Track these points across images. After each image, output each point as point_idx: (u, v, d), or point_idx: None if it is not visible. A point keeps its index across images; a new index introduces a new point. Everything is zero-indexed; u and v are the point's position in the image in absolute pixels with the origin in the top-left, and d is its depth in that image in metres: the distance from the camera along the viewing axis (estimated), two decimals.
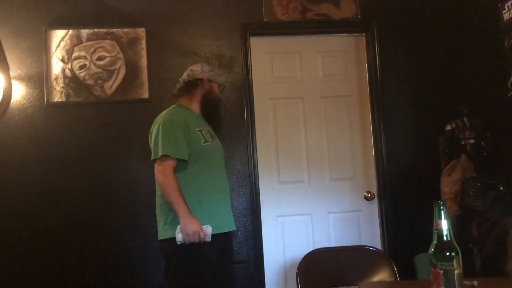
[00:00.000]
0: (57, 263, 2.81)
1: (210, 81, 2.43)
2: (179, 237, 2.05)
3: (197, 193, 2.16)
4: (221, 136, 2.92)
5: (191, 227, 2.03)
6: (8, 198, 2.81)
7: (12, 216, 2.81)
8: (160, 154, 2.12)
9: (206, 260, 2.12)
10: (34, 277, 2.79)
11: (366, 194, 3.16)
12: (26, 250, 2.80)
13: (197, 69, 2.44)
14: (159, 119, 2.24)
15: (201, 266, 2.10)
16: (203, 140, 2.23)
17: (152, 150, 2.19)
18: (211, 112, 2.45)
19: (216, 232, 2.14)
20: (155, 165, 2.16)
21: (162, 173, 2.12)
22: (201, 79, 2.39)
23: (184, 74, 2.47)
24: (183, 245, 2.06)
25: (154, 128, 2.24)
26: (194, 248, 2.07)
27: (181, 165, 2.16)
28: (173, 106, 2.36)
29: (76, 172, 2.87)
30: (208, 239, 2.08)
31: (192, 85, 2.39)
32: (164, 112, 2.28)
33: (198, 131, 2.25)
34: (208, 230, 2.07)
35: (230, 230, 2.30)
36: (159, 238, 2.19)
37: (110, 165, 2.89)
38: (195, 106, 2.39)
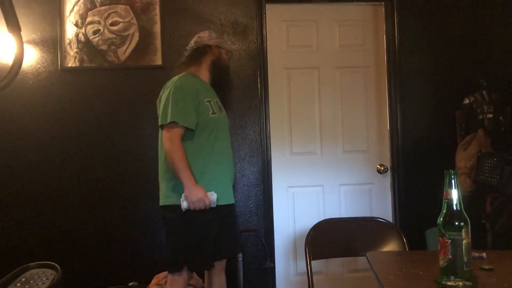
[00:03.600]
0: (67, 226, 2.87)
1: (218, 47, 2.38)
2: (184, 204, 2.05)
3: (200, 164, 2.14)
4: (233, 105, 2.92)
5: (196, 194, 2.03)
6: (20, 163, 2.86)
7: (24, 181, 2.86)
8: (169, 120, 2.09)
9: (208, 229, 2.13)
10: (44, 239, 2.86)
11: (379, 167, 3.13)
12: (36, 214, 2.86)
13: (205, 36, 2.39)
14: (169, 85, 2.20)
15: (202, 234, 2.11)
16: (211, 111, 2.21)
17: (160, 116, 2.16)
18: (219, 79, 2.42)
19: (218, 203, 2.14)
20: (163, 131, 2.14)
21: (170, 140, 2.09)
22: (210, 46, 2.35)
23: (192, 41, 2.42)
24: (187, 212, 2.06)
25: (163, 94, 2.20)
26: (197, 216, 2.07)
27: (187, 134, 2.14)
28: (183, 73, 2.31)
29: (89, 137, 2.89)
30: (214, 205, 2.09)
31: (201, 52, 2.35)
32: (175, 78, 2.24)
33: (207, 101, 2.22)
34: (213, 196, 2.08)
35: (228, 203, 2.26)
36: (161, 204, 2.18)
37: (123, 131, 2.91)
38: (204, 75, 2.35)
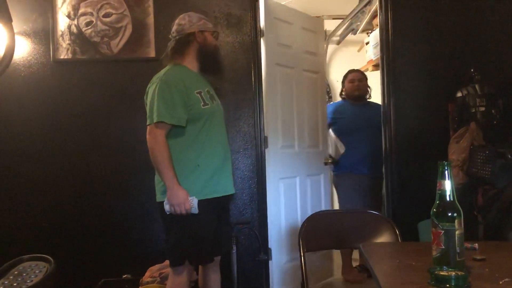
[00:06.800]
0: (61, 219, 2.87)
1: (202, 32, 2.21)
2: (166, 207, 2.02)
3: (194, 157, 2.09)
4: (227, 98, 2.90)
5: (177, 198, 1.97)
6: (12, 154, 2.85)
7: (16, 173, 2.86)
8: (155, 120, 2.01)
9: (208, 222, 2.10)
10: (37, 232, 2.86)
11: None
12: (29, 207, 2.86)
13: (185, 23, 2.20)
14: (155, 80, 2.11)
15: (203, 227, 2.08)
16: (202, 103, 2.11)
17: (148, 114, 2.08)
18: (210, 64, 2.26)
19: (212, 196, 2.11)
20: (148, 128, 2.06)
21: (154, 140, 2.01)
22: (193, 33, 2.21)
23: (173, 29, 2.24)
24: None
25: (150, 89, 2.11)
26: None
27: (178, 129, 2.07)
28: (168, 66, 2.20)
29: (82, 129, 2.88)
30: (195, 211, 2.02)
31: (184, 41, 2.20)
32: (161, 72, 2.14)
33: (197, 93, 2.12)
34: (194, 202, 2.01)
35: (227, 194, 2.22)
36: (158, 200, 2.13)
37: (116, 123, 2.90)
38: (192, 64, 2.22)
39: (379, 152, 3.12)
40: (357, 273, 3.43)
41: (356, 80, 3.58)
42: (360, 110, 3.55)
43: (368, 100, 3.65)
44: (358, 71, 3.70)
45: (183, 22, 2.22)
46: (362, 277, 3.39)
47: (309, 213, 3.15)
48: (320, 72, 3.57)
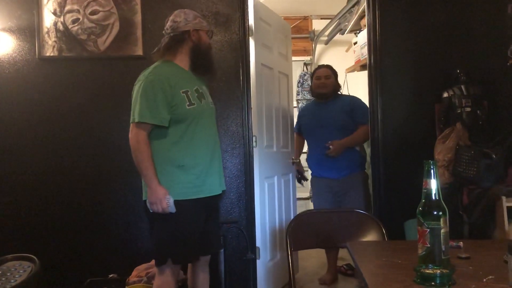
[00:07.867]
0: (46, 218, 2.84)
1: (196, 30, 2.20)
2: (148, 205, 2.04)
3: (179, 157, 2.07)
4: (215, 97, 2.88)
5: (154, 195, 1.98)
6: None
7: (0, 171, 2.80)
8: (137, 119, 2.01)
9: (193, 221, 2.09)
10: (21, 231, 2.82)
11: None
12: (13, 205, 2.83)
13: (180, 20, 2.17)
14: (141, 78, 2.09)
15: (187, 226, 2.08)
16: (187, 103, 2.08)
17: (131, 112, 2.06)
18: (202, 63, 2.24)
19: (196, 197, 2.10)
20: (130, 126, 2.05)
21: (135, 139, 2.01)
22: (188, 31, 2.19)
23: (167, 26, 2.20)
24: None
25: (135, 87, 2.10)
26: (182, 208, 2.04)
27: (161, 130, 2.06)
28: (157, 63, 2.17)
29: (68, 127, 2.85)
30: (172, 210, 2.01)
31: (178, 39, 2.18)
32: (147, 70, 2.11)
33: (183, 92, 2.09)
34: (170, 201, 2.00)
35: (214, 194, 2.20)
36: (144, 198, 2.12)
37: (102, 121, 2.87)
38: (184, 62, 2.19)
39: (345, 152, 3.09)
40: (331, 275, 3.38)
41: (322, 77, 3.36)
42: (320, 109, 3.37)
43: (340, 94, 3.48)
44: (326, 67, 3.45)
45: (178, 19, 2.19)
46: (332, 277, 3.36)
47: (285, 212, 3.22)
48: (289, 75, 3.63)
